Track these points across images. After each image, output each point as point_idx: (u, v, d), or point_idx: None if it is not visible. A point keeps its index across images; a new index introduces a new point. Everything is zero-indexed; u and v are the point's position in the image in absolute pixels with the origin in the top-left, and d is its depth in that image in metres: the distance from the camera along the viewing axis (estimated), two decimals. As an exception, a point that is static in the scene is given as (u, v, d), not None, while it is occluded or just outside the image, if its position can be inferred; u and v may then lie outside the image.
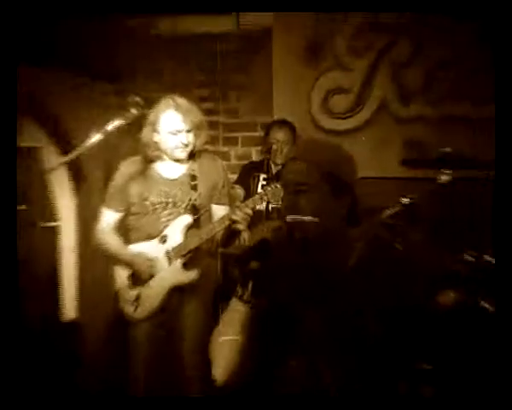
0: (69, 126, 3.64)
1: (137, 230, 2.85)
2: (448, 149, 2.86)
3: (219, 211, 2.82)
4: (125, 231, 2.91)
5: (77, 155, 2.57)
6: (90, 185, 3.74)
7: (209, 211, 2.86)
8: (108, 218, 2.87)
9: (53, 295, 3.63)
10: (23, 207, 3.34)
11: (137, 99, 2.62)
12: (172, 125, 2.71)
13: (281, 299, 3.19)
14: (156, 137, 2.71)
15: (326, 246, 3.21)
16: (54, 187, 3.69)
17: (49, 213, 3.71)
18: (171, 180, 2.80)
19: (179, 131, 2.70)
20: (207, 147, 2.91)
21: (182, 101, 2.74)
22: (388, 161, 3.55)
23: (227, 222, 2.68)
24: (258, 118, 3.84)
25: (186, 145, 2.72)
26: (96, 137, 2.45)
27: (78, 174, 3.66)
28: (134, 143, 2.80)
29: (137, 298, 2.80)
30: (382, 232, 2.98)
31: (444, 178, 2.84)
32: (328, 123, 3.75)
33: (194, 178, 2.79)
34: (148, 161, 2.82)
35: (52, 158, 3.58)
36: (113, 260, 2.90)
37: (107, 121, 2.51)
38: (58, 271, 3.65)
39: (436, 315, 2.94)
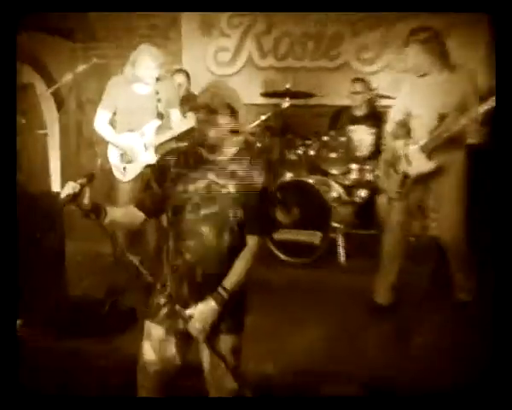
0: (53, 70, 5.40)
1: (122, 125, 3.80)
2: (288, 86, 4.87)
3: (174, 114, 3.84)
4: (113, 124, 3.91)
5: (56, 88, 4.46)
6: (68, 107, 5.62)
7: (169, 116, 3.84)
8: (103, 115, 3.83)
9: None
10: (23, 121, 4.57)
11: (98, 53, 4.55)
12: (147, 62, 3.66)
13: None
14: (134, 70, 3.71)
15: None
16: (43, 109, 5.48)
17: (41, 125, 5.51)
18: (142, 95, 3.77)
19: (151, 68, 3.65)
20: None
21: (153, 48, 3.71)
22: (254, 93, 5.43)
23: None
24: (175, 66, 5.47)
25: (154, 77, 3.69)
26: (68, 77, 4.25)
27: (58, 100, 5.43)
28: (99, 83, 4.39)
29: (124, 169, 3.86)
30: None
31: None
32: (216, 70, 5.73)
33: (157, 93, 3.78)
34: (129, 82, 3.78)
35: (42, 89, 5.37)
36: (109, 143, 3.89)
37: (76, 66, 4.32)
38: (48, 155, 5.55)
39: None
